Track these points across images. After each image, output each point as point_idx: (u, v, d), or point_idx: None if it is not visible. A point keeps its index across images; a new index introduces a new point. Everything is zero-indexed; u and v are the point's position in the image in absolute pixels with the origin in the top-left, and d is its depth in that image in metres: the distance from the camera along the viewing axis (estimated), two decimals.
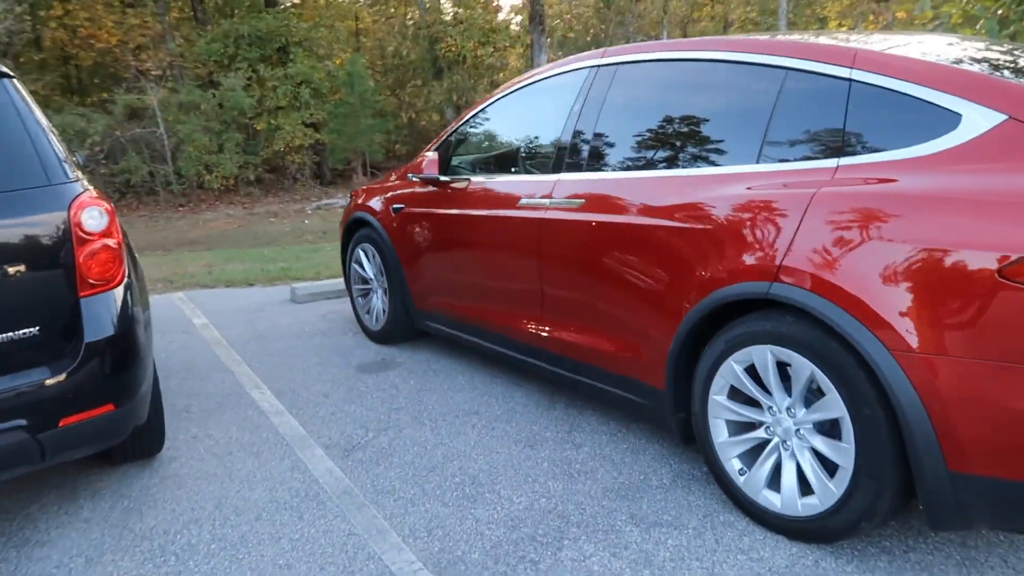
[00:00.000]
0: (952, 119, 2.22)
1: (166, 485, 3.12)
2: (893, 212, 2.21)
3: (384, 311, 4.77)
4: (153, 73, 17.38)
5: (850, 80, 2.46)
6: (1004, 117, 2.12)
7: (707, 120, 2.92)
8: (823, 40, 2.71)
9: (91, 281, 2.60)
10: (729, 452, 2.71)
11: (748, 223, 2.55)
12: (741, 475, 2.68)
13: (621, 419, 3.55)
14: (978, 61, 2.56)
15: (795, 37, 2.84)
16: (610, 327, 3.15)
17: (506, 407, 3.78)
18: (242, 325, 5.55)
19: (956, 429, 2.09)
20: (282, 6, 19.89)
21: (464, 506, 2.85)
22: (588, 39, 22.85)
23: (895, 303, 2.17)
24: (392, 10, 23.40)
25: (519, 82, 3.91)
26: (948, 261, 2.07)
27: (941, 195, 2.15)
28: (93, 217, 2.61)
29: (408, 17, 22.12)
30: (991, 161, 2.12)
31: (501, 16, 20.55)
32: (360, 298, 5.09)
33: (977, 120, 2.17)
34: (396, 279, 4.59)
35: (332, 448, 3.40)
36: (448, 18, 19.68)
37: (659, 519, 2.70)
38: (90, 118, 15.74)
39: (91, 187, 2.82)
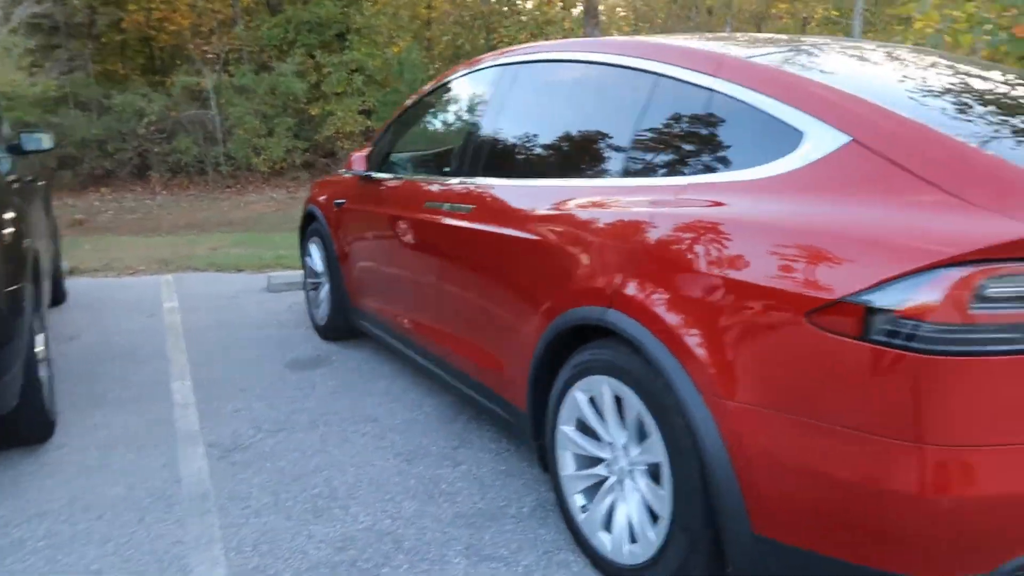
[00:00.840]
0: (795, 138, 1.96)
1: (37, 474, 3.11)
2: (711, 240, 1.97)
3: (328, 307, 4.70)
4: (210, 56, 17.80)
5: (712, 90, 2.22)
6: (847, 139, 1.85)
7: (579, 128, 2.70)
8: (696, 43, 2.46)
9: None
10: (574, 486, 2.51)
11: (597, 242, 2.34)
12: (583, 512, 2.47)
13: (513, 438, 3.37)
14: (871, 77, 2.28)
15: (677, 38, 2.59)
16: (488, 343, 2.98)
17: (408, 417, 3.64)
18: (208, 312, 5.58)
19: (761, 489, 1.85)
20: None
21: (306, 521, 2.73)
22: (647, 34, 22.30)
23: (709, 341, 1.93)
24: None
25: (444, 78, 3.75)
26: (758, 300, 1.83)
27: (758, 225, 1.90)
28: None
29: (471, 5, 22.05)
30: (820, 190, 1.86)
31: (560, 7, 20.18)
32: (312, 291, 5.03)
33: (819, 141, 1.91)
34: (335, 275, 4.51)
35: (214, 447, 3.34)
36: (505, 8, 19.51)
37: (495, 553, 2.52)
38: (151, 98, 16.26)
39: None
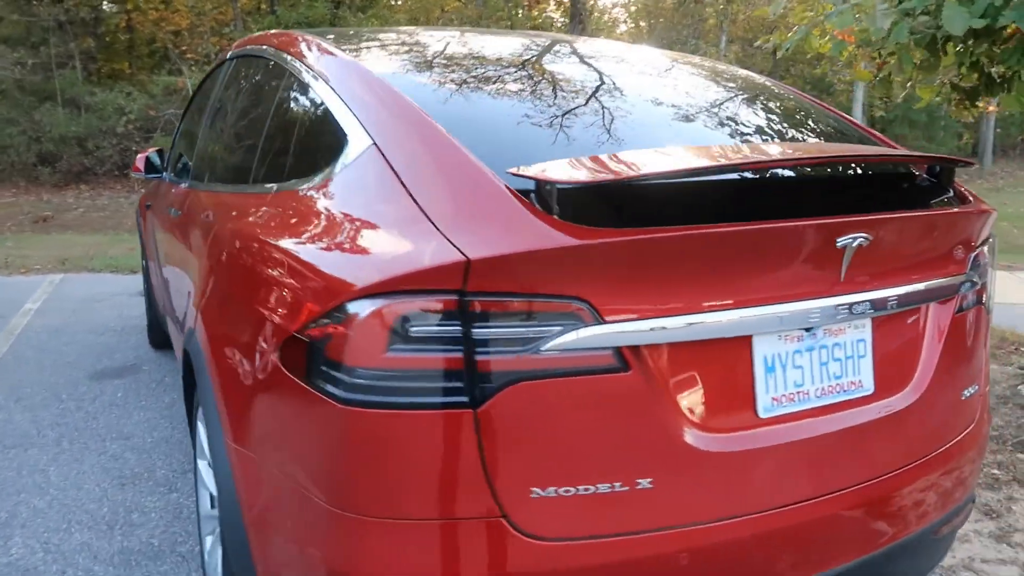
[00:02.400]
0: (345, 142, 1.68)
1: None
2: (235, 262, 1.70)
3: (145, 310, 4.49)
4: (189, 56, 17.83)
5: (306, 84, 1.93)
6: (368, 144, 1.56)
7: (246, 127, 2.44)
8: (316, 37, 2.17)
9: None
10: (206, 527, 2.25)
11: (199, 261, 2.08)
12: (211, 556, 2.21)
13: None
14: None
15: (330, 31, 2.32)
16: None
17: (166, 435, 3.40)
18: (63, 315, 5.40)
19: (268, 562, 1.56)
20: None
21: None
22: (642, 38, 21.93)
23: (229, 373, 1.67)
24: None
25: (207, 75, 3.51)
26: (252, 328, 1.56)
27: (261, 245, 1.63)
28: None
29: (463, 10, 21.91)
30: (335, 203, 1.58)
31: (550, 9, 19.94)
32: (146, 296, 4.83)
33: (353, 146, 1.62)
34: (146, 278, 4.30)
35: None
36: (499, 12, 19.32)
37: None
38: (133, 96, 16.32)
39: None
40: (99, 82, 18.17)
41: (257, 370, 1.53)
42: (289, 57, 2.09)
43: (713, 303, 1.33)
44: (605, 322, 1.25)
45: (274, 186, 1.88)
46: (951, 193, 1.73)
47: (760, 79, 2.36)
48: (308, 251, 1.47)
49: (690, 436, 1.33)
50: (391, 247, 1.32)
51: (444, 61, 2.01)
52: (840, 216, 1.37)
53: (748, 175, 1.52)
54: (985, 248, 1.78)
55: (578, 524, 1.30)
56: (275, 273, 1.53)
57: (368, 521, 1.28)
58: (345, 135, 1.63)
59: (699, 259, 1.31)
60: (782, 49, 3.79)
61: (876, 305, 1.49)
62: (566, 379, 1.26)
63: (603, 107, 1.74)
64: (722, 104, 1.98)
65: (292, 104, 2.01)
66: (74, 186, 16.01)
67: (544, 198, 1.29)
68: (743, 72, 2.40)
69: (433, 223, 1.30)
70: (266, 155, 2.05)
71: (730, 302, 1.34)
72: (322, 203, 1.59)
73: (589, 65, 2.10)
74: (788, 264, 1.38)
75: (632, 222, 1.28)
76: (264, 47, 2.36)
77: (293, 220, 1.63)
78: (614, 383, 1.28)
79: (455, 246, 1.23)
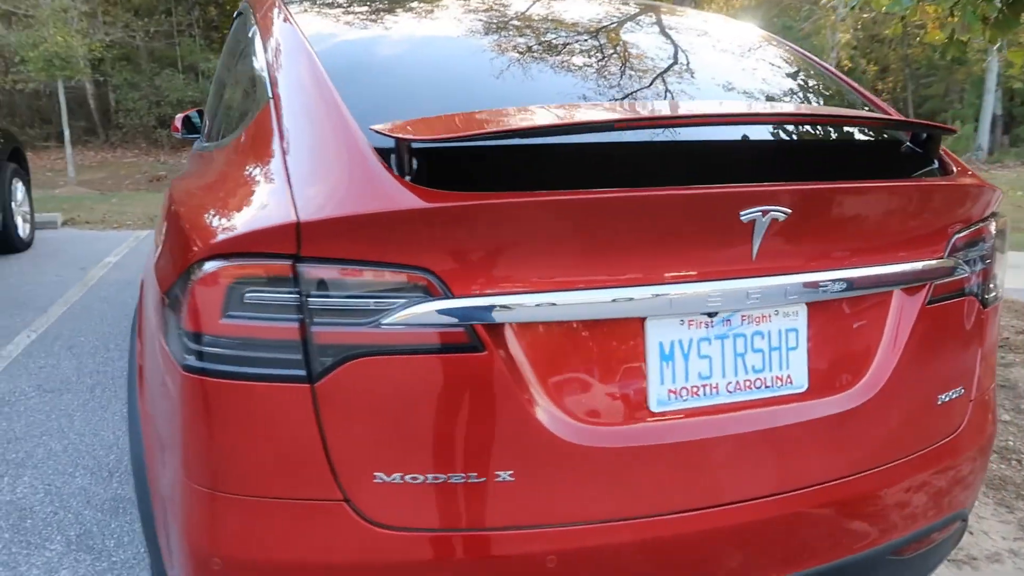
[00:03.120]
0: (257, 100, 1.59)
1: None
2: (160, 215, 1.67)
3: None
4: None
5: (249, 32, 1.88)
6: (268, 97, 1.48)
7: (222, 85, 2.41)
8: None
9: None
10: None
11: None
12: None
13: None
14: None
15: None
16: None
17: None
18: (137, 269, 5.69)
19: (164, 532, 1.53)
20: None
21: None
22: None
23: (140, 335, 1.65)
24: None
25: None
26: (152, 288, 1.52)
27: (171, 203, 1.58)
28: None
29: None
30: (232, 158, 1.52)
31: None
32: None
33: (260, 103, 1.52)
34: None
35: None
36: None
37: None
38: None
39: None
40: (217, 50, 18.99)
41: (147, 331, 1.50)
42: (252, 12, 2.03)
43: (592, 280, 1.18)
44: (454, 296, 1.13)
45: (210, 145, 1.85)
46: (935, 165, 1.48)
47: (755, 33, 2.11)
48: (188, 211, 1.41)
49: (561, 428, 1.20)
50: (248, 207, 1.24)
51: (390, 21, 1.90)
52: (751, 185, 1.18)
53: (664, 136, 1.34)
54: (985, 229, 1.52)
55: (428, 515, 1.19)
56: (165, 235, 1.49)
57: (217, 495, 1.22)
58: (257, 93, 1.57)
59: (571, 230, 1.16)
60: (847, 6, 3.43)
61: (808, 290, 1.29)
62: (412, 356, 1.15)
63: (537, 62, 1.59)
64: (676, 57, 1.77)
65: (243, 62, 1.96)
66: (188, 148, 16.90)
67: (401, 158, 1.17)
68: (726, 21, 2.15)
69: (289, 183, 1.21)
70: (218, 114, 2.02)
71: (614, 279, 1.19)
72: (220, 162, 1.54)
73: (532, 18, 1.93)
74: (686, 239, 1.20)
75: (498, 186, 1.14)
76: (244, 2, 2.32)
77: (195, 180, 1.58)
78: (467, 364, 1.15)
79: (295, 207, 1.14)
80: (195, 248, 1.21)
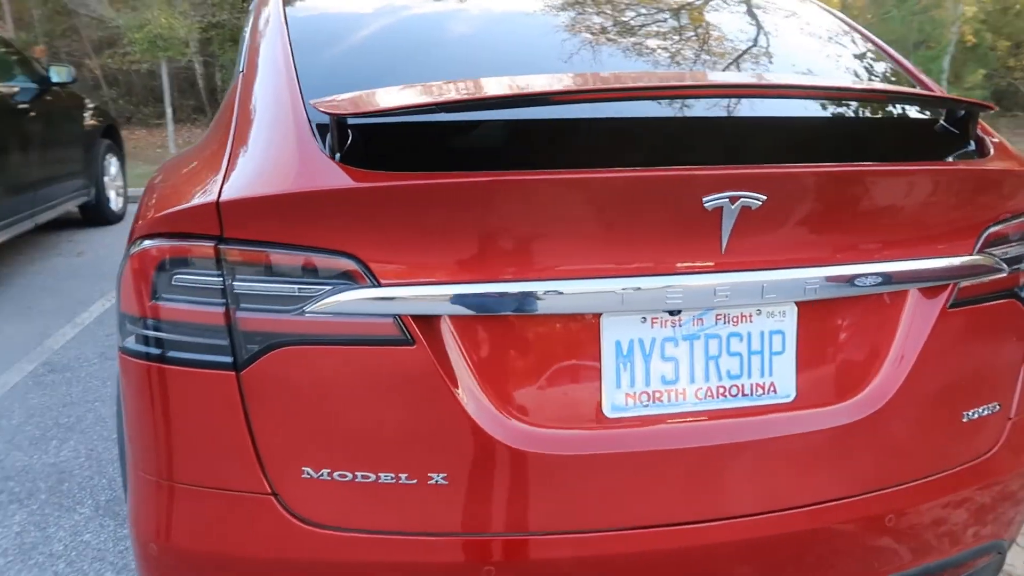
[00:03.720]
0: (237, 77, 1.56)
1: None
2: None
3: None
4: None
5: None
6: (241, 71, 1.44)
7: None
8: None
9: None
10: None
11: None
12: None
13: None
14: None
15: None
16: None
17: None
18: None
19: None
20: None
21: None
22: None
23: None
24: None
25: None
26: None
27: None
28: None
29: None
30: (205, 135, 1.47)
31: None
32: None
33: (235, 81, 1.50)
34: None
35: (43, 366, 3.53)
36: None
37: None
38: None
39: None
40: None
41: None
42: None
43: (539, 270, 1.07)
44: (380, 285, 1.05)
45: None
46: (970, 146, 1.28)
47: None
48: (147, 192, 1.39)
49: (500, 431, 1.10)
50: (188, 186, 1.20)
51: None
52: (714, 168, 1.04)
53: (633, 110, 1.20)
54: None
55: (358, 515, 1.12)
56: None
57: (151, 480, 1.19)
58: (236, 69, 1.53)
59: (515, 214, 1.05)
60: None
61: (795, 289, 1.14)
62: (338, 348, 1.07)
63: (517, 32, 1.47)
64: (658, 17, 1.61)
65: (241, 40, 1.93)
66: None
67: (333, 135, 1.09)
68: None
69: (228, 161, 1.16)
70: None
71: (563, 270, 1.07)
72: (198, 140, 1.50)
73: None
74: (644, 228, 1.07)
75: (438, 166, 1.05)
76: None
77: (172, 160, 1.56)
78: (395, 358, 1.07)
79: (221, 187, 1.08)
80: (135, 228, 1.18)
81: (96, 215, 6.17)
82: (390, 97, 1.11)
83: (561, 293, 1.07)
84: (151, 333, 1.13)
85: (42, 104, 5.28)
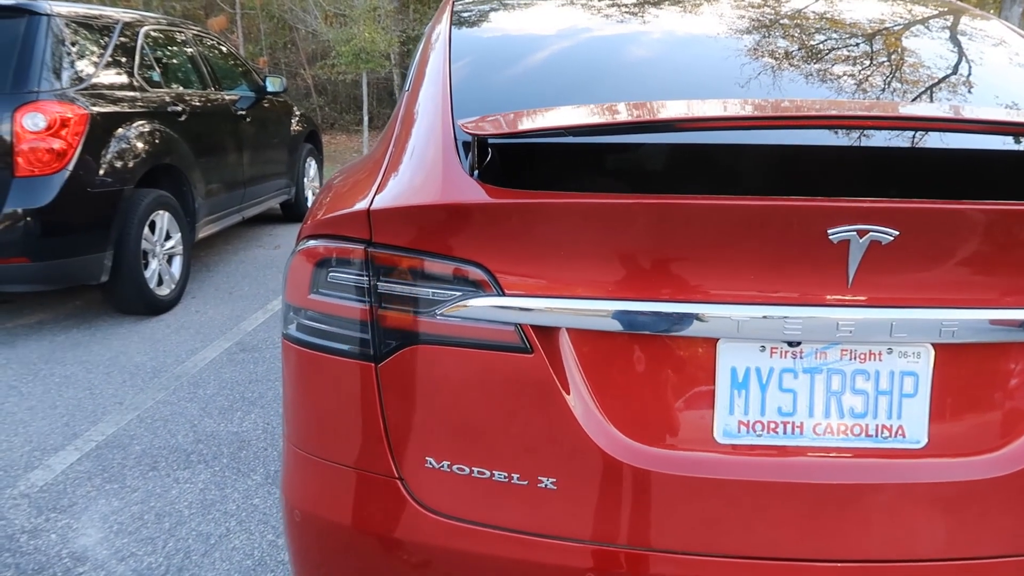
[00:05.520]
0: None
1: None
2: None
3: None
4: None
5: None
6: (405, 93, 1.58)
7: None
8: None
9: (25, 167, 3.55)
10: None
11: None
12: None
13: None
14: None
15: None
16: None
17: None
18: None
19: None
20: None
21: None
22: None
23: None
24: None
25: None
26: None
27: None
28: (33, 120, 3.53)
29: None
30: (374, 145, 1.61)
31: None
32: None
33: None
34: None
35: (237, 345, 3.95)
36: None
37: None
38: None
39: (74, 98, 3.75)
40: None
41: None
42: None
43: (659, 292, 1.10)
44: (505, 294, 1.12)
45: None
46: None
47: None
48: (319, 196, 1.55)
49: (610, 444, 1.14)
50: (351, 193, 1.34)
51: (549, 18, 1.89)
52: (841, 200, 1.02)
53: (764, 139, 1.19)
54: None
55: (472, 507, 1.20)
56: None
57: (299, 453, 1.35)
58: (404, 89, 1.68)
59: (639, 236, 1.09)
60: None
61: (931, 329, 1.08)
62: (463, 350, 1.16)
63: (674, 53, 1.50)
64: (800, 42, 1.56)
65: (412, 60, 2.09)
66: None
67: (474, 153, 1.18)
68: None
69: (383, 171, 1.29)
70: None
71: (683, 294, 1.10)
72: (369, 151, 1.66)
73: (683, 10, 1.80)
74: (769, 257, 1.07)
75: (572, 186, 1.11)
76: None
77: (351, 166, 1.72)
78: (514, 364, 1.14)
79: (373, 196, 1.20)
80: (303, 227, 1.34)
81: (294, 212, 6.80)
82: (525, 120, 1.18)
83: (680, 315, 1.09)
84: (308, 323, 1.28)
85: (258, 110, 5.91)
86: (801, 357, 1.12)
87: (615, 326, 1.11)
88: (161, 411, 3.18)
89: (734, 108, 1.23)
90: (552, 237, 1.11)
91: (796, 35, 1.70)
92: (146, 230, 4.18)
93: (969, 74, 1.63)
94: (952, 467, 1.13)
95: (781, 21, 1.77)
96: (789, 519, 1.12)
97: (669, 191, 1.08)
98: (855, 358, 1.12)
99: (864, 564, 1.12)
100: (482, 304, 1.13)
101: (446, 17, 1.80)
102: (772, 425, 1.13)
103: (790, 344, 1.11)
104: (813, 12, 1.86)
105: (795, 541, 1.12)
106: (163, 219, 4.38)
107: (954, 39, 1.81)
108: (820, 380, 1.13)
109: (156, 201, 4.27)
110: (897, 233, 1.02)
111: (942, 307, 1.08)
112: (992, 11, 16.42)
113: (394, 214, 1.16)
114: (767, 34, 1.69)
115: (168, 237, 4.45)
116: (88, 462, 2.78)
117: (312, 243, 1.26)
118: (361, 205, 1.20)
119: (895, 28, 1.83)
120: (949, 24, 1.89)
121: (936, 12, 1.94)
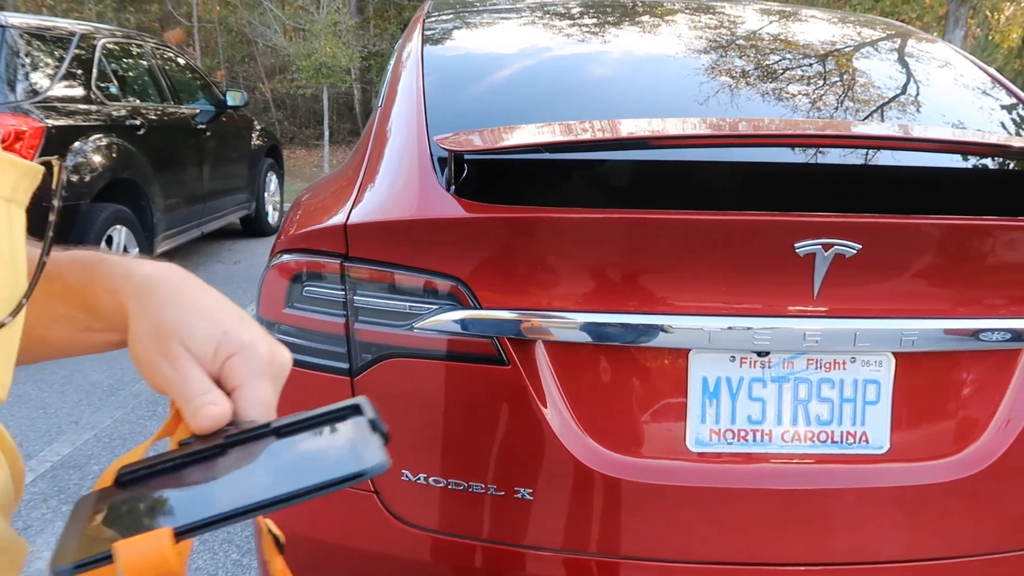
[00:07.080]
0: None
1: None
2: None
3: None
4: None
5: None
6: (378, 109, 1.59)
7: None
8: None
9: None
10: None
11: None
12: None
13: None
14: None
15: None
16: None
17: None
18: None
19: None
20: None
21: None
22: None
23: None
24: None
25: None
26: None
27: None
28: None
29: None
30: (347, 159, 1.62)
31: None
32: None
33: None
34: None
35: None
36: None
37: None
38: None
39: (29, 111, 3.67)
40: None
41: None
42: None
43: (632, 304, 1.13)
44: (481, 307, 1.14)
45: None
46: None
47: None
48: (297, 209, 1.55)
49: (586, 454, 1.16)
50: (324, 209, 1.34)
51: (522, 32, 1.93)
52: (807, 214, 1.06)
53: (732, 155, 1.24)
54: None
55: (449, 519, 1.21)
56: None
57: None
58: (377, 105, 1.69)
59: (612, 250, 1.12)
60: None
61: (892, 339, 1.13)
62: (440, 363, 1.17)
63: (645, 70, 1.54)
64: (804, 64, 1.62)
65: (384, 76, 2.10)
66: None
67: (450, 169, 1.20)
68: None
69: (358, 186, 1.29)
70: None
71: (655, 305, 1.12)
72: (332, 167, 1.66)
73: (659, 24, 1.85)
74: (737, 270, 1.11)
75: (543, 201, 1.14)
76: None
77: (321, 181, 1.72)
78: (490, 376, 1.16)
79: (350, 211, 1.21)
80: (277, 242, 1.34)
81: (254, 227, 6.73)
82: (501, 137, 1.21)
83: (652, 327, 1.12)
84: (282, 337, 1.27)
85: (217, 124, 5.85)
86: (770, 367, 1.16)
87: (589, 338, 1.13)
88: (119, 430, 3.11)
89: (701, 127, 1.27)
90: (527, 251, 1.13)
91: (754, 56, 1.76)
92: (103, 245, 4.10)
93: (917, 94, 1.70)
94: (913, 471, 1.17)
95: (738, 42, 1.83)
96: (759, 524, 1.15)
97: (642, 206, 1.11)
98: (821, 367, 1.16)
99: (831, 567, 1.15)
100: (459, 317, 1.14)
101: (417, 35, 1.81)
102: (742, 433, 1.17)
103: (759, 354, 1.14)
104: (769, 33, 1.93)
105: (765, 545, 1.15)
106: (120, 234, 4.30)
107: (902, 60, 1.88)
108: (788, 389, 1.16)
109: (113, 216, 4.19)
110: (860, 247, 1.06)
111: (902, 317, 1.13)
112: (936, 33, 17.03)
113: (371, 228, 1.17)
114: (725, 54, 1.74)
115: (125, 252, 4.37)
116: (43, 483, 2.70)
117: (287, 257, 1.26)
118: (337, 220, 1.20)
119: (847, 49, 1.90)
120: (898, 46, 1.97)
121: (885, 35, 2.03)
